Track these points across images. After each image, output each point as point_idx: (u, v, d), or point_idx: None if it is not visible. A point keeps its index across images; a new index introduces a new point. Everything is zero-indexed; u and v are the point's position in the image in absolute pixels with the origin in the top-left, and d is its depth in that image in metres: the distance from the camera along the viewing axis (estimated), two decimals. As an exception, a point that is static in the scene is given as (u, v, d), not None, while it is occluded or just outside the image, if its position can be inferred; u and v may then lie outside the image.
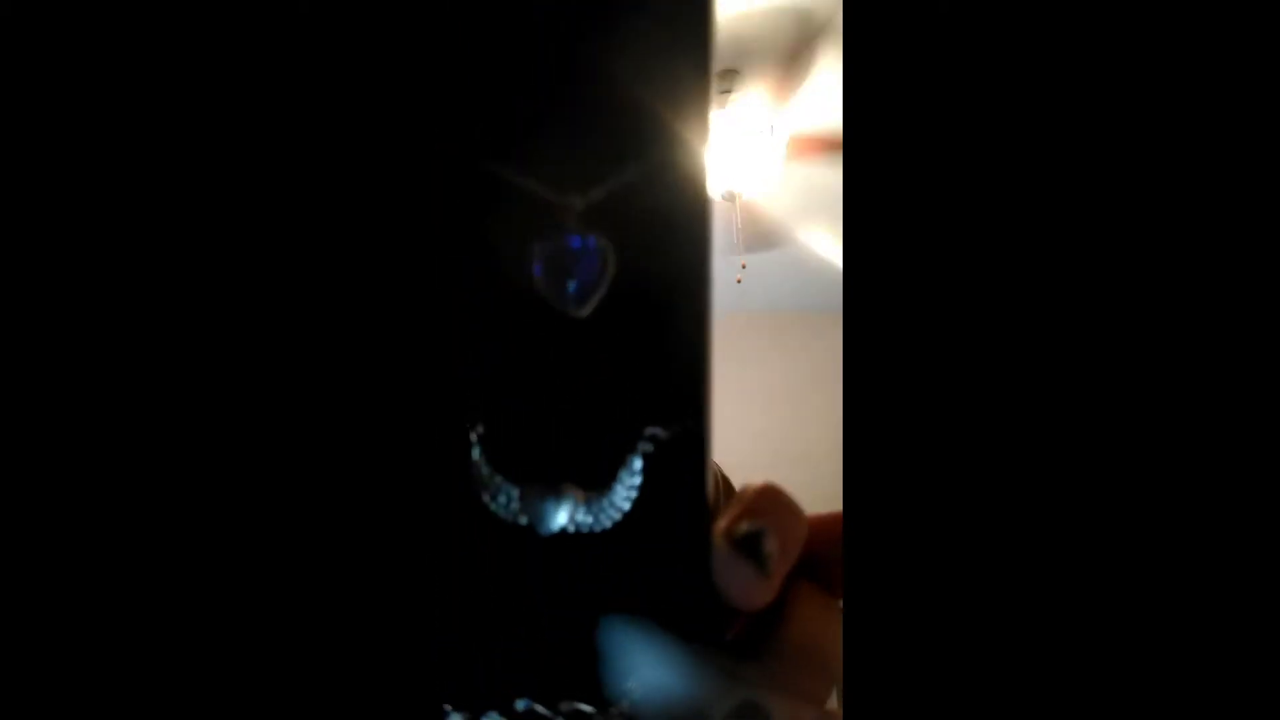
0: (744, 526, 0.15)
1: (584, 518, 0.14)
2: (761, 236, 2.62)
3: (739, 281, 2.52)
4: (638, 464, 0.14)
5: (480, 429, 0.14)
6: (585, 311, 0.14)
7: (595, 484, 0.14)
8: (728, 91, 2.10)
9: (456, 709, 0.14)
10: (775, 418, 3.12)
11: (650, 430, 0.14)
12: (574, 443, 0.14)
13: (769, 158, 2.10)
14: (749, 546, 0.15)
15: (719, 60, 2.07)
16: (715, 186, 2.12)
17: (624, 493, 0.14)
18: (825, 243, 2.69)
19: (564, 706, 0.14)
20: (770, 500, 0.16)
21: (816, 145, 2.03)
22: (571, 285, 0.14)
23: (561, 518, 0.14)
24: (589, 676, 0.14)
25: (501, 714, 0.14)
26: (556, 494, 0.14)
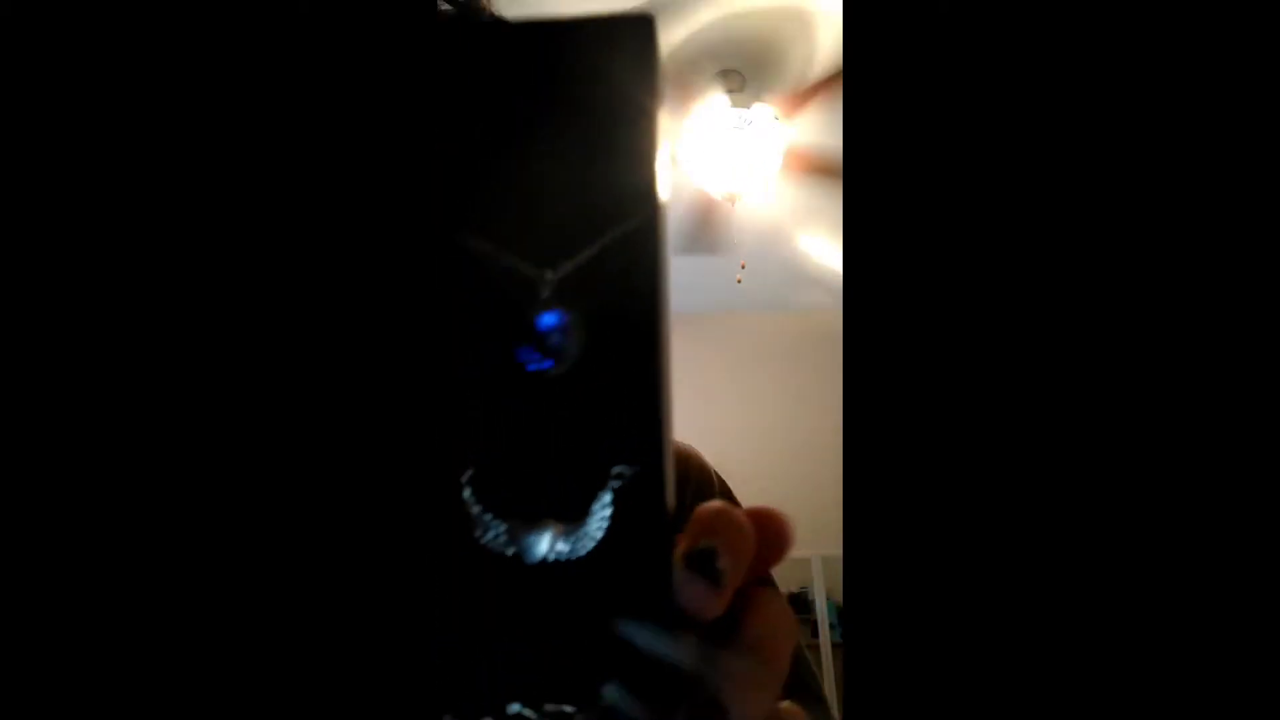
0: (699, 546, 0.18)
1: (563, 547, 0.17)
2: (761, 236, 2.62)
3: (739, 281, 2.52)
4: (608, 498, 0.17)
5: (470, 473, 0.17)
6: (559, 372, 0.17)
7: (571, 517, 0.17)
8: (733, 91, 2.10)
9: (455, 716, 0.16)
10: (775, 417, 3.12)
11: (617, 469, 0.17)
12: (552, 483, 0.17)
13: (769, 158, 2.11)
14: (702, 564, 0.17)
15: (721, 60, 2.07)
16: (716, 186, 2.12)
17: (597, 524, 0.17)
18: (824, 243, 2.69)
19: (549, 708, 0.16)
20: (722, 520, 0.18)
21: (804, 97, 2.02)
22: (543, 356, 0.17)
23: (543, 547, 0.17)
24: (571, 682, 0.16)
25: (494, 718, 0.16)
26: (538, 527, 0.17)
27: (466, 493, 0.17)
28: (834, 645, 2.86)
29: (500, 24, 0.18)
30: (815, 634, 2.84)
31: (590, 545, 0.17)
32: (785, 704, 0.20)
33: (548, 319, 0.17)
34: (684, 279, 2.70)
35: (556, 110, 0.17)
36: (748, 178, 2.13)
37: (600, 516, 0.17)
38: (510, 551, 0.17)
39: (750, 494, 0.28)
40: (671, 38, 1.92)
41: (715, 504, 0.18)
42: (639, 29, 0.17)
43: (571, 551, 0.17)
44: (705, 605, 0.17)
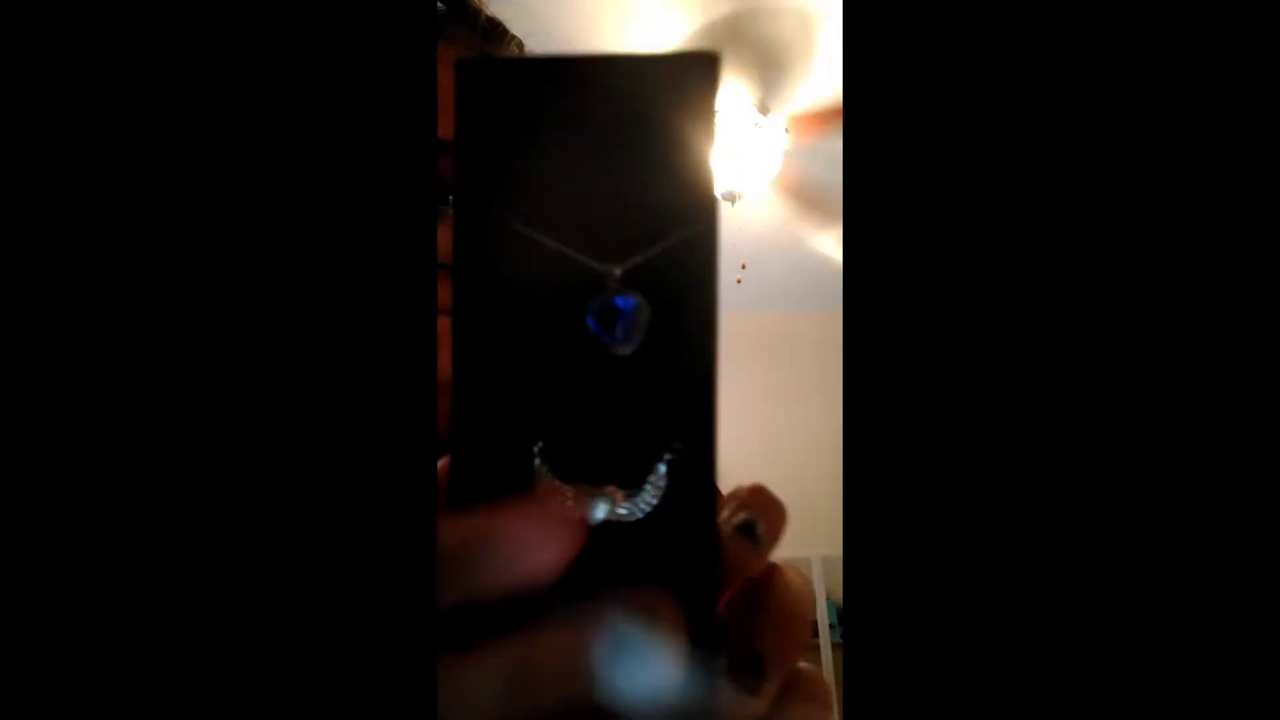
0: (742, 516, 0.21)
1: (622, 511, 0.19)
2: (761, 236, 2.62)
3: (739, 282, 2.52)
4: (663, 469, 0.19)
5: (541, 445, 0.20)
6: (625, 353, 0.20)
7: (630, 485, 0.19)
8: (738, 91, 2.10)
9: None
10: (775, 417, 3.12)
11: (672, 444, 0.19)
12: (614, 454, 0.19)
13: (769, 158, 2.10)
14: (746, 530, 0.21)
15: (732, 61, 2.07)
16: (718, 186, 2.12)
17: (652, 491, 0.19)
18: (825, 242, 2.69)
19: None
20: (759, 496, 0.22)
21: (817, 121, 2.02)
22: (617, 333, 0.19)
23: (605, 511, 0.19)
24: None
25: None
26: (601, 493, 0.19)
27: (538, 461, 0.19)
28: (834, 645, 2.86)
29: (592, 59, 0.21)
30: (815, 634, 2.84)
31: (646, 510, 0.19)
32: (804, 665, 0.22)
33: (619, 302, 0.19)
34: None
35: (630, 131, 0.20)
36: (750, 178, 2.13)
37: (656, 485, 0.19)
38: (577, 514, 0.19)
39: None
40: (683, 33, 1.92)
41: (753, 483, 0.22)
42: (706, 64, 0.20)
43: (630, 514, 0.19)
44: (747, 564, 0.21)
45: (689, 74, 0.20)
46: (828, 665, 2.78)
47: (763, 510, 0.21)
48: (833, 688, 0.23)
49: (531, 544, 0.18)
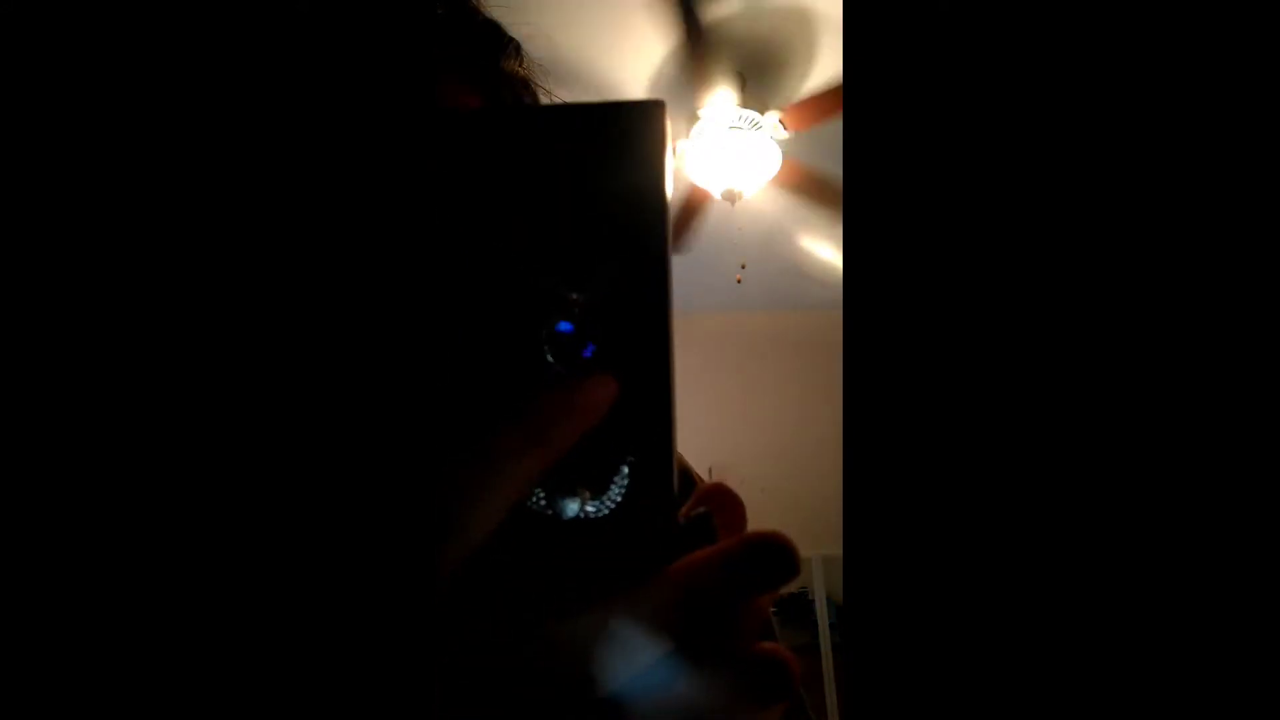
0: (698, 511, 0.23)
1: (589, 508, 0.22)
2: (761, 236, 2.62)
3: (739, 281, 2.52)
4: (625, 471, 0.22)
5: None
6: (577, 372, 0.22)
7: (597, 487, 0.22)
8: (739, 90, 2.10)
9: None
10: (775, 418, 3.12)
11: (633, 450, 0.22)
12: (582, 460, 0.22)
13: (771, 159, 2.11)
14: (701, 522, 0.23)
15: (725, 61, 2.07)
16: (716, 185, 2.12)
17: (616, 491, 0.22)
18: (824, 243, 2.69)
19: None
20: (719, 492, 0.24)
21: (810, 109, 2.02)
22: (574, 355, 0.22)
23: (574, 508, 0.22)
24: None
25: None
26: (571, 493, 0.22)
27: None
28: (834, 645, 2.86)
29: (539, 110, 0.23)
30: (815, 634, 2.84)
31: (611, 507, 0.22)
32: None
33: (567, 327, 0.22)
34: (684, 278, 2.70)
35: (585, 175, 0.22)
36: (749, 178, 2.13)
37: (619, 486, 0.22)
38: (549, 512, 0.22)
39: (750, 494, 0.28)
40: (676, 35, 1.92)
41: (713, 483, 0.25)
42: (649, 111, 0.22)
43: (595, 512, 0.22)
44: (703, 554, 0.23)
45: (635, 120, 0.23)
46: (828, 665, 2.78)
47: (719, 505, 0.23)
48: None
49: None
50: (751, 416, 3.14)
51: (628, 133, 0.23)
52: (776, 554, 0.22)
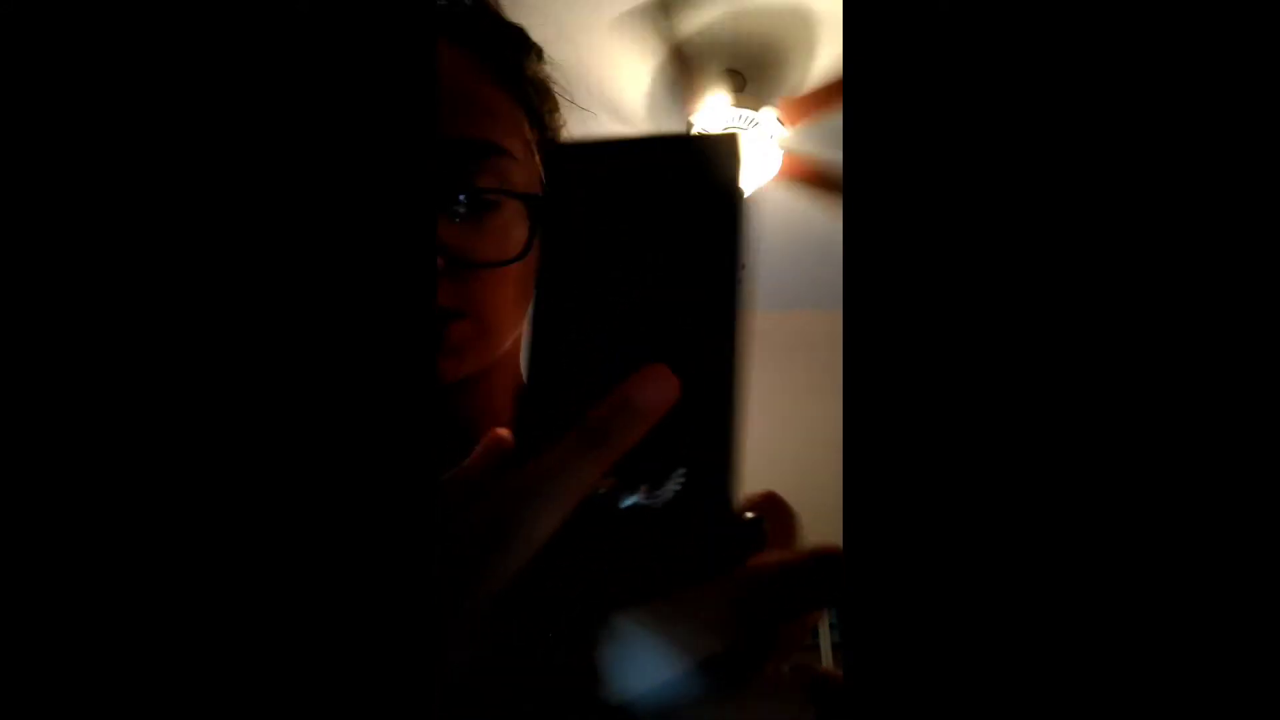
0: (749, 515, 0.24)
1: (646, 501, 0.23)
2: (762, 236, 2.62)
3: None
4: (680, 473, 0.23)
5: None
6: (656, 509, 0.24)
7: (655, 482, 0.23)
8: (735, 91, 2.10)
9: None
10: (775, 417, 3.12)
11: (691, 454, 0.23)
12: (643, 460, 0.23)
13: (770, 158, 2.11)
14: (752, 526, 0.23)
15: (723, 60, 2.07)
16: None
17: (673, 487, 0.23)
18: (824, 243, 2.69)
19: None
20: (771, 501, 0.25)
21: (807, 102, 2.02)
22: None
23: (633, 500, 0.23)
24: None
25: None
26: (632, 488, 0.23)
27: None
28: (834, 645, 2.86)
29: (620, 142, 0.25)
30: (815, 634, 2.84)
31: (666, 499, 0.23)
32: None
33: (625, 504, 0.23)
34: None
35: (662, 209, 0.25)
36: (749, 177, 2.13)
37: (674, 483, 0.23)
38: (605, 504, 0.23)
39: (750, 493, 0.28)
40: (673, 34, 1.92)
41: (766, 491, 0.26)
42: (728, 144, 0.25)
43: (653, 503, 0.23)
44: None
45: (713, 152, 0.25)
46: (828, 666, 2.78)
47: (771, 513, 0.24)
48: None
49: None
50: (751, 417, 3.14)
51: (707, 163, 0.24)
52: (840, 571, 0.22)
